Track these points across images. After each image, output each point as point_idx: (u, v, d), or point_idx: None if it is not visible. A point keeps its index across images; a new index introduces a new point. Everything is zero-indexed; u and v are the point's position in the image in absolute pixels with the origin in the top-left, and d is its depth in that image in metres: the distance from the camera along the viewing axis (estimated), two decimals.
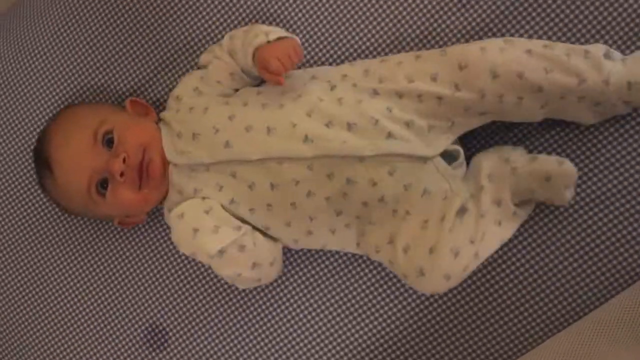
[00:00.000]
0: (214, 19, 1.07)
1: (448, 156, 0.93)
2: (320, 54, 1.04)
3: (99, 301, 1.11)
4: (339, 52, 1.04)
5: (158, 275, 1.09)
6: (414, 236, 0.89)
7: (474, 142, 0.99)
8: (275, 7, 1.06)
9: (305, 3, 1.05)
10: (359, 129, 0.89)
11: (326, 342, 1.03)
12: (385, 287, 1.01)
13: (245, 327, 1.06)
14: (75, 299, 1.12)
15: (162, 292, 1.09)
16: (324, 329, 1.03)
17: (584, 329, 0.87)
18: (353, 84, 0.93)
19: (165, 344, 1.08)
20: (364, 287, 1.02)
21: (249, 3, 1.06)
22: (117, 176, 0.92)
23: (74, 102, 1.12)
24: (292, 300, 1.05)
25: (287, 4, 1.05)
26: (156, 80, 1.10)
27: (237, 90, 1.00)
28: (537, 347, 0.94)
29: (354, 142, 0.88)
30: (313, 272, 1.04)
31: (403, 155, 0.89)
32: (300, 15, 1.05)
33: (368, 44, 1.03)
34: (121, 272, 1.11)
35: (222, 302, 1.07)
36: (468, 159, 0.96)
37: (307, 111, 0.90)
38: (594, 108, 0.90)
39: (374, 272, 1.02)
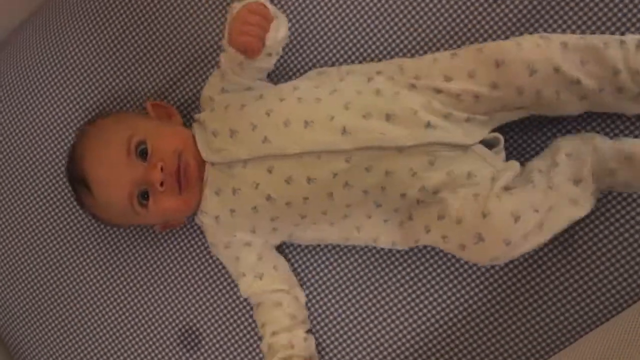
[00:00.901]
0: None
1: (487, 144, 0.92)
2: (350, 52, 1.03)
3: (133, 303, 1.12)
4: (369, 50, 1.03)
5: (191, 277, 1.10)
6: (465, 206, 0.87)
7: (512, 133, 0.97)
8: (303, 5, 1.04)
9: (334, 2, 1.04)
10: (397, 119, 0.88)
11: (360, 341, 1.04)
12: (419, 284, 1.02)
13: None
14: (109, 302, 1.13)
15: (195, 294, 1.09)
16: (358, 327, 1.04)
17: (615, 329, 0.87)
18: (390, 76, 0.93)
19: (199, 345, 1.09)
20: (393, 287, 1.02)
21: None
22: (158, 186, 0.92)
23: (98, 111, 1.12)
24: (324, 301, 1.05)
25: (315, 3, 1.04)
26: (179, 82, 1.10)
27: (259, 79, 1.00)
28: (568, 348, 0.94)
29: (393, 133, 0.87)
30: (346, 270, 1.04)
31: (442, 144, 0.88)
32: (330, 13, 1.04)
33: (398, 41, 1.02)
34: (154, 274, 1.11)
35: None
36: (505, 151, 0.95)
37: (344, 104, 0.90)
38: (635, 98, 0.88)
39: (404, 272, 1.02)
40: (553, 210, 0.86)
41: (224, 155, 0.94)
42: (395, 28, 1.02)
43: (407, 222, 0.93)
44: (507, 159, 0.95)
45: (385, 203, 0.92)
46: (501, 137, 0.93)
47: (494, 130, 0.93)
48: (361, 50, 1.03)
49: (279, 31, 0.94)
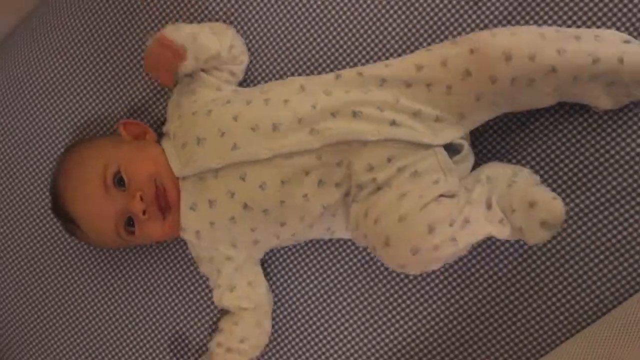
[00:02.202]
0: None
1: (452, 149, 0.92)
2: (328, 61, 1.03)
3: (122, 309, 1.12)
4: (352, 55, 1.03)
5: (180, 283, 1.10)
6: (387, 205, 0.86)
7: (485, 143, 0.98)
8: (285, 20, 1.04)
9: (314, 7, 1.04)
10: (363, 116, 0.89)
11: (342, 344, 1.05)
12: (400, 292, 1.02)
13: None
14: (98, 308, 1.13)
15: (185, 300, 1.10)
16: (341, 330, 1.05)
17: (602, 330, 0.88)
18: (359, 72, 0.92)
19: (189, 351, 1.10)
20: (383, 289, 1.03)
21: (250, 16, 1.04)
22: (140, 215, 0.93)
23: (71, 139, 1.12)
24: (312, 306, 1.06)
25: (293, 11, 1.04)
26: (155, 98, 1.09)
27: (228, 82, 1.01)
28: (555, 350, 0.95)
29: (359, 127, 0.88)
30: (333, 276, 1.05)
31: (406, 142, 0.88)
32: (308, 20, 1.04)
33: (376, 49, 1.02)
34: (144, 280, 1.12)
35: None
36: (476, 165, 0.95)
37: (312, 104, 0.90)
38: (607, 89, 0.88)
39: (393, 274, 1.03)
40: (468, 226, 0.84)
41: (193, 167, 0.93)
42: (378, 33, 1.01)
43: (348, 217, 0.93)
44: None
45: (347, 186, 0.92)
46: (465, 144, 0.92)
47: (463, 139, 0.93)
48: (338, 56, 1.03)
49: (222, 42, 0.97)
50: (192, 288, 1.10)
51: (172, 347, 1.11)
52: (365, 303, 1.04)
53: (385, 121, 0.88)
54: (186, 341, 1.10)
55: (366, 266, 1.04)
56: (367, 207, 0.88)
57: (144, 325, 1.12)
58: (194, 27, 0.97)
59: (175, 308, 1.10)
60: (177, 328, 1.10)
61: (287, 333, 1.06)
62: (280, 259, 1.07)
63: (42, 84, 1.14)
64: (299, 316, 1.06)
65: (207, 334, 1.09)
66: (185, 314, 1.10)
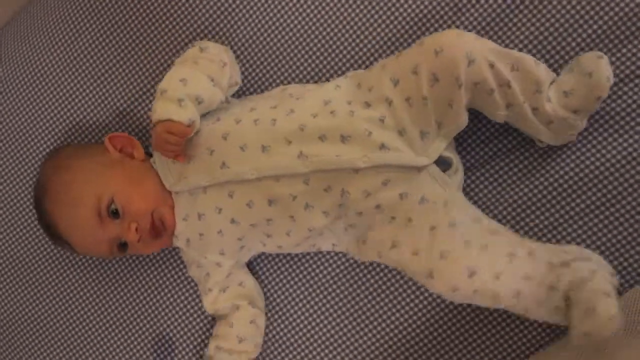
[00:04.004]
0: (206, 32, 1.06)
1: (442, 163, 0.93)
2: (313, 66, 1.04)
3: (109, 310, 1.12)
4: (337, 62, 1.04)
5: (166, 285, 1.10)
6: (422, 240, 0.88)
7: (469, 149, 0.99)
8: (270, 23, 1.05)
9: (297, 14, 1.04)
10: (352, 140, 0.88)
11: (330, 348, 1.05)
12: (387, 292, 1.03)
13: None
14: (83, 310, 1.13)
15: (170, 302, 1.10)
16: (328, 335, 1.05)
17: None
18: (347, 101, 0.92)
19: (174, 353, 1.10)
20: (366, 292, 1.03)
21: (239, 23, 1.05)
22: (135, 242, 0.94)
23: (55, 146, 1.12)
24: (296, 308, 1.06)
25: (280, 17, 1.05)
26: (149, 96, 1.10)
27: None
28: (543, 351, 0.95)
29: (348, 155, 0.88)
30: (316, 278, 1.05)
31: (397, 166, 0.88)
32: (291, 27, 1.05)
33: (361, 54, 1.03)
34: (129, 282, 1.12)
35: None
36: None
37: (299, 125, 0.90)
38: (549, 124, 0.90)
39: (377, 277, 1.03)
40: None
41: (184, 184, 0.94)
42: (359, 40, 1.02)
43: (362, 245, 0.95)
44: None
45: (344, 216, 0.92)
46: (453, 158, 0.93)
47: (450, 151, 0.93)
48: (325, 63, 1.04)
49: (223, 88, 0.95)
50: (183, 290, 1.10)
51: (162, 348, 1.10)
52: (353, 302, 1.04)
53: (374, 145, 0.88)
54: (176, 343, 1.10)
55: (350, 268, 1.04)
56: (393, 240, 0.90)
57: (134, 326, 1.12)
58: (195, 84, 0.92)
59: (167, 310, 1.11)
60: (168, 330, 1.10)
61: (272, 334, 1.07)
62: (265, 261, 1.07)
63: (29, 81, 1.14)
64: (284, 317, 1.06)
65: (198, 336, 1.09)
66: (177, 316, 1.10)
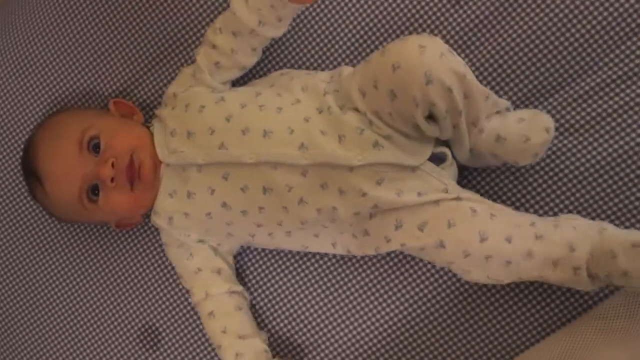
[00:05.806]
0: (204, 15, 1.06)
1: (436, 159, 0.92)
2: (313, 53, 1.04)
3: (93, 301, 1.11)
4: (330, 55, 1.03)
5: (150, 276, 1.09)
6: (427, 213, 0.86)
7: None
8: None
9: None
10: (347, 139, 0.87)
11: (320, 342, 1.04)
12: (378, 286, 1.02)
13: None
14: (69, 299, 1.12)
15: (154, 293, 1.09)
16: (317, 329, 1.04)
17: (578, 329, 0.87)
18: (339, 105, 0.90)
19: (158, 344, 1.08)
20: (357, 287, 1.02)
21: None
22: (108, 181, 0.92)
23: (60, 107, 1.11)
24: (285, 300, 1.05)
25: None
26: (144, 80, 1.09)
27: (224, 83, 0.99)
28: (531, 348, 0.94)
29: (344, 152, 0.87)
30: (307, 271, 1.04)
31: (391, 165, 0.87)
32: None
33: (352, 48, 1.02)
34: (114, 272, 1.11)
35: None
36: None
37: (304, 117, 0.89)
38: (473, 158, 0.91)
39: (368, 271, 1.02)
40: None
41: (179, 157, 0.93)
42: (354, 31, 1.02)
43: (363, 237, 0.93)
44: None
45: (338, 219, 0.91)
46: (448, 152, 0.92)
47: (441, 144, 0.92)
48: (317, 56, 1.03)
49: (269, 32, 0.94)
50: (161, 280, 1.09)
51: (140, 340, 1.09)
52: (344, 296, 1.03)
53: (369, 142, 0.87)
54: (155, 333, 1.09)
55: (341, 261, 1.03)
56: (397, 221, 0.88)
57: (112, 318, 1.11)
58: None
59: (144, 300, 1.09)
60: (145, 321, 1.09)
61: (266, 330, 1.05)
62: (254, 252, 1.06)
63: (18, 68, 1.13)
64: (273, 309, 1.05)
65: (176, 328, 1.08)
66: (154, 307, 1.09)
